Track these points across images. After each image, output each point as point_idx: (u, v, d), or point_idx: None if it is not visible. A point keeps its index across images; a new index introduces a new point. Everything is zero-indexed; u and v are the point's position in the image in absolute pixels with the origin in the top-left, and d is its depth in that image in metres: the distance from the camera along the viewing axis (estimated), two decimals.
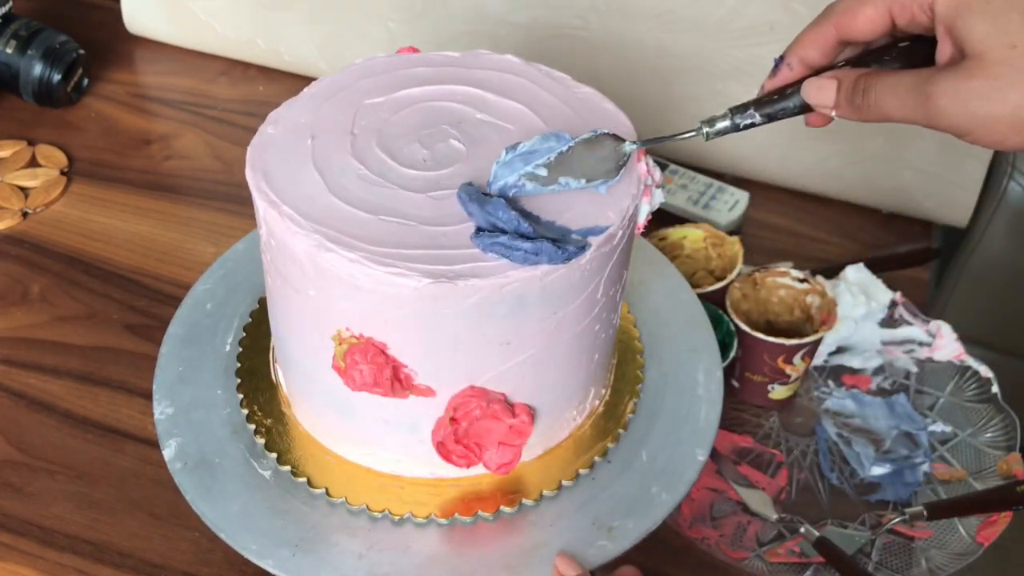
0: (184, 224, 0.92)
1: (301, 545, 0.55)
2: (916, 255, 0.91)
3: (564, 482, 0.58)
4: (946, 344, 0.82)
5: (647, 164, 0.54)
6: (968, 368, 0.81)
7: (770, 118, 0.51)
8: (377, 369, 0.51)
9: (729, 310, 0.78)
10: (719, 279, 0.82)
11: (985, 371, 0.80)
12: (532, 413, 0.55)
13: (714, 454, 0.74)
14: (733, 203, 0.93)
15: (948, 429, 0.79)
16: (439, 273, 0.48)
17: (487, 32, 0.98)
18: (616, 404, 0.62)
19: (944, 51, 0.46)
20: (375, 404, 0.53)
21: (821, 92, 0.49)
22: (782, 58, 0.52)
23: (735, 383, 0.81)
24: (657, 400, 0.63)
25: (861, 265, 0.85)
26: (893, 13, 0.48)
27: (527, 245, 0.48)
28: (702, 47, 0.92)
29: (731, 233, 0.93)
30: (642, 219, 0.55)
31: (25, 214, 0.92)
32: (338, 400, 0.55)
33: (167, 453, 0.59)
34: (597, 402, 0.62)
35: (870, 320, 0.83)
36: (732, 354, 0.77)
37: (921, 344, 0.83)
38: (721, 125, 0.52)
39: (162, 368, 0.64)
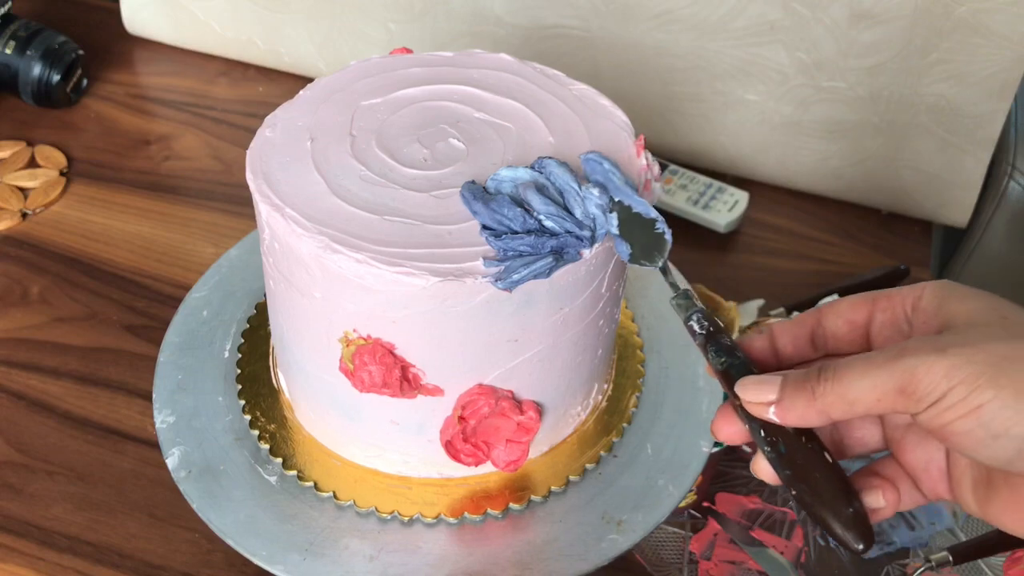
0: (184, 224, 0.91)
1: (311, 549, 0.55)
2: (885, 279, 0.88)
3: (571, 477, 0.58)
4: None
5: (647, 159, 0.54)
6: None
7: (704, 348, 0.45)
8: (386, 370, 0.51)
9: None
10: None
11: None
12: (539, 409, 0.55)
13: (722, 520, 0.73)
14: (733, 203, 0.93)
15: None
16: (447, 272, 0.48)
17: (487, 32, 0.98)
18: (618, 399, 0.63)
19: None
20: (382, 405, 0.53)
21: (761, 385, 0.42)
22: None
23: (747, 448, 0.75)
24: (659, 394, 0.63)
25: (836, 296, 0.84)
26: (876, 307, 0.43)
27: (552, 242, 0.49)
28: (702, 47, 0.92)
29: (731, 233, 0.93)
30: None
31: (24, 215, 0.92)
32: (344, 403, 0.55)
33: (171, 462, 0.59)
34: (600, 397, 0.62)
35: None
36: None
37: None
38: (683, 305, 0.47)
39: (161, 376, 0.64)
